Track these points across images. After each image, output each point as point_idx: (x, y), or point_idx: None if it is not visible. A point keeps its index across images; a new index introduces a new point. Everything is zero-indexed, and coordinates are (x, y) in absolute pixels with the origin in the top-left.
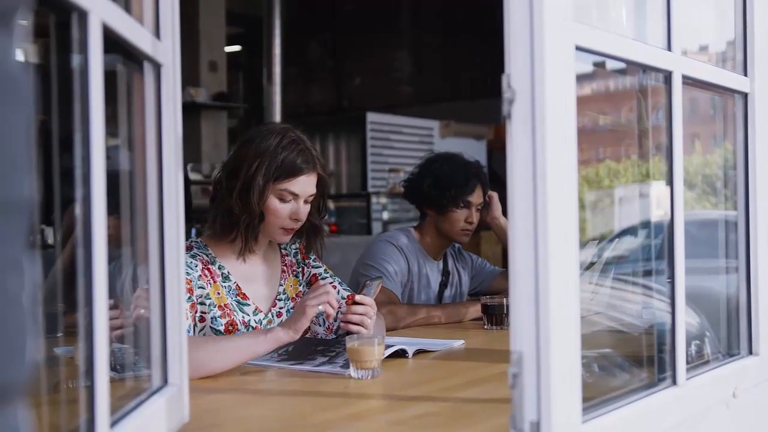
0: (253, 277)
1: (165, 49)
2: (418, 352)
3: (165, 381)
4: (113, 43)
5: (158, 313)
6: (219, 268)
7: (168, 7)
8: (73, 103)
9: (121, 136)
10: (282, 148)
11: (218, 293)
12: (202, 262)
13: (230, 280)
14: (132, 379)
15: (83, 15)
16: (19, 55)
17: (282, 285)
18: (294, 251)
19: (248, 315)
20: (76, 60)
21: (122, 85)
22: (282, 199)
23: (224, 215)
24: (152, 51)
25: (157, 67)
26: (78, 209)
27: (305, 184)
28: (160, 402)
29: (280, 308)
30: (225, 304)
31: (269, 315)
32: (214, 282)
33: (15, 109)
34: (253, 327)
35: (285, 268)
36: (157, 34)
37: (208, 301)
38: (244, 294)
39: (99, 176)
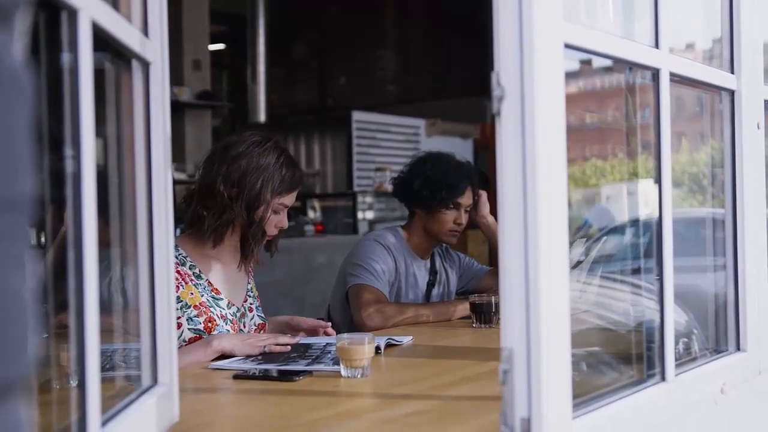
0: (225, 275)
1: (153, 47)
2: (389, 346)
3: (155, 380)
4: (101, 41)
5: (148, 313)
6: (190, 268)
7: (156, 5)
8: (62, 101)
9: (109, 135)
10: (282, 165)
11: (191, 293)
12: None
13: (202, 278)
14: (120, 379)
15: (73, 13)
16: (19, 53)
17: (249, 284)
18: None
19: (224, 309)
20: (65, 58)
21: (110, 83)
22: (275, 212)
23: (226, 225)
24: (141, 49)
25: (145, 65)
26: (67, 210)
27: (295, 197)
28: (150, 401)
29: (250, 304)
30: (200, 303)
31: (242, 308)
32: (186, 283)
33: (17, 106)
34: (230, 320)
35: (250, 269)
36: (145, 32)
37: (179, 304)
38: (217, 289)
39: (89, 176)
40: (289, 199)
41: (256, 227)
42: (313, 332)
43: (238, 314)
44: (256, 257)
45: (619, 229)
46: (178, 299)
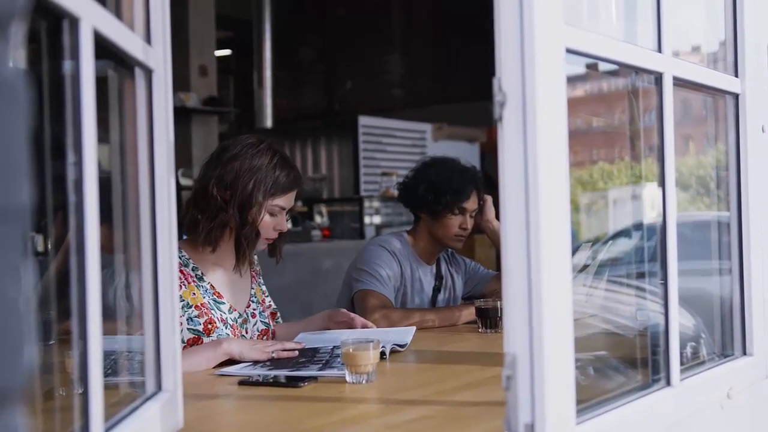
0: (227, 280)
1: (156, 54)
2: (393, 352)
3: (159, 387)
4: (104, 48)
5: (152, 319)
6: (193, 270)
7: (159, 12)
8: (65, 109)
9: (112, 143)
10: (275, 166)
11: (193, 294)
12: None
13: (205, 281)
14: (124, 385)
15: (74, 21)
16: (15, 62)
17: (253, 289)
18: (256, 262)
19: (224, 313)
20: (67, 66)
21: (113, 90)
22: (271, 214)
23: (219, 228)
24: (143, 57)
25: (148, 72)
26: (70, 216)
27: (292, 199)
28: (154, 408)
29: (254, 310)
30: (201, 304)
31: (244, 314)
32: (189, 283)
33: (12, 115)
34: (230, 324)
35: (254, 274)
36: (148, 39)
37: (181, 303)
38: (219, 293)
39: (91, 183)
40: (285, 201)
41: (249, 228)
42: (349, 325)
43: (240, 320)
44: (249, 259)
45: (625, 233)
46: (180, 298)
